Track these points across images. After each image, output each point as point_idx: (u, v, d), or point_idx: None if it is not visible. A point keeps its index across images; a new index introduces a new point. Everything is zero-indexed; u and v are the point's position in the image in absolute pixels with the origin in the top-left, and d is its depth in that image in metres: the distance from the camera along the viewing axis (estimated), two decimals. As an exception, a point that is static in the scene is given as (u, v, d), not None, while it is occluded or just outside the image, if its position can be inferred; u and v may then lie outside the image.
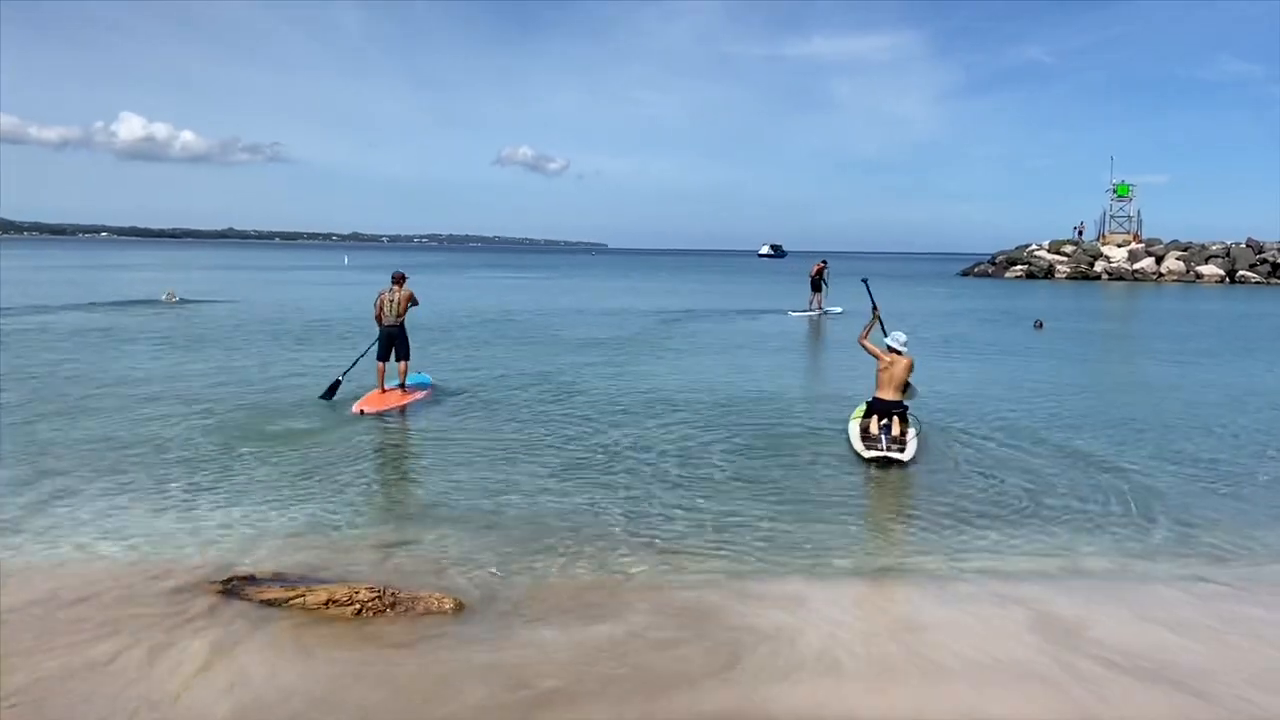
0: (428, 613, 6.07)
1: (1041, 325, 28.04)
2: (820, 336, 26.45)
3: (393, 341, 13.75)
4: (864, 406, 11.46)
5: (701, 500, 8.85)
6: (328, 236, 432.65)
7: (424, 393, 14.15)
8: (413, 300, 14.04)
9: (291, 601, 6.17)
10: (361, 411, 12.79)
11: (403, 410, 13.15)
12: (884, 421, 10.70)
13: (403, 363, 13.83)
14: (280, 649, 5.57)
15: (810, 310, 31.92)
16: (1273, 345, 24.39)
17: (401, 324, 13.81)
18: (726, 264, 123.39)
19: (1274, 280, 62.74)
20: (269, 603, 6.20)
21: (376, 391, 13.55)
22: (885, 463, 10.19)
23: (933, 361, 18.28)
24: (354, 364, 14.23)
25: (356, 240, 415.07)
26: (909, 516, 8.56)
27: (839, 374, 17.37)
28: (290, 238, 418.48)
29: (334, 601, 6.11)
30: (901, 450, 10.33)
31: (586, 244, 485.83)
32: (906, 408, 10.89)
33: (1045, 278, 67.35)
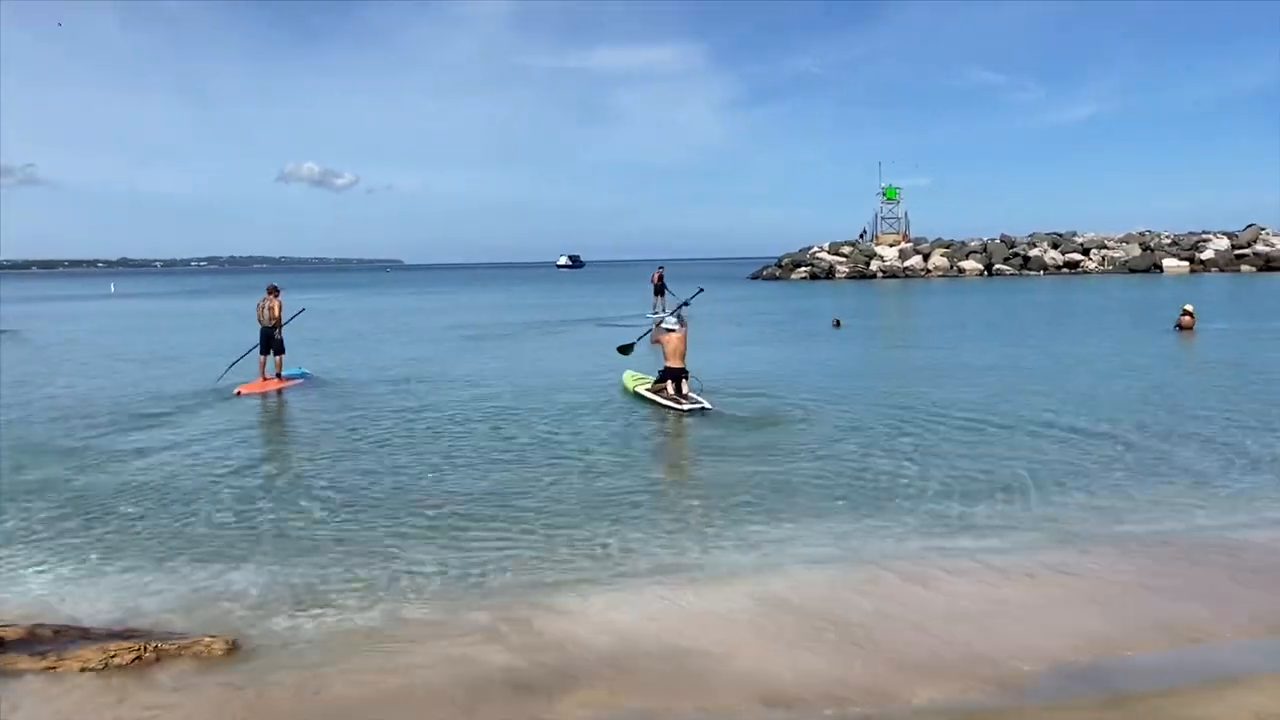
0: (197, 658, 5.73)
1: (839, 324, 29.65)
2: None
3: (270, 340, 16.66)
4: (634, 374, 15.51)
5: (507, 514, 8.84)
6: (93, 263, 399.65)
7: (298, 382, 17.08)
8: (280, 319, 16.75)
9: (44, 670, 5.62)
10: (239, 393, 15.76)
11: (279, 393, 16.07)
12: (678, 385, 13.89)
13: (279, 356, 16.82)
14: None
15: (656, 314, 33.51)
16: (1029, 329, 27.24)
17: (276, 325, 16.66)
18: (528, 276, 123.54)
19: (1025, 272, 69.53)
20: (19, 671, 5.60)
21: (259, 380, 16.51)
22: (699, 412, 13.26)
23: (753, 363, 19.47)
24: (241, 358, 17.46)
25: (126, 266, 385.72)
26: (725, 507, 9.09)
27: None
28: (49, 266, 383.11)
29: (88, 669, 5.60)
30: (700, 403, 13.51)
31: (381, 261, 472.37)
32: (688, 372, 14.00)
33: (827, 278, 71.41)
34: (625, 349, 17.12)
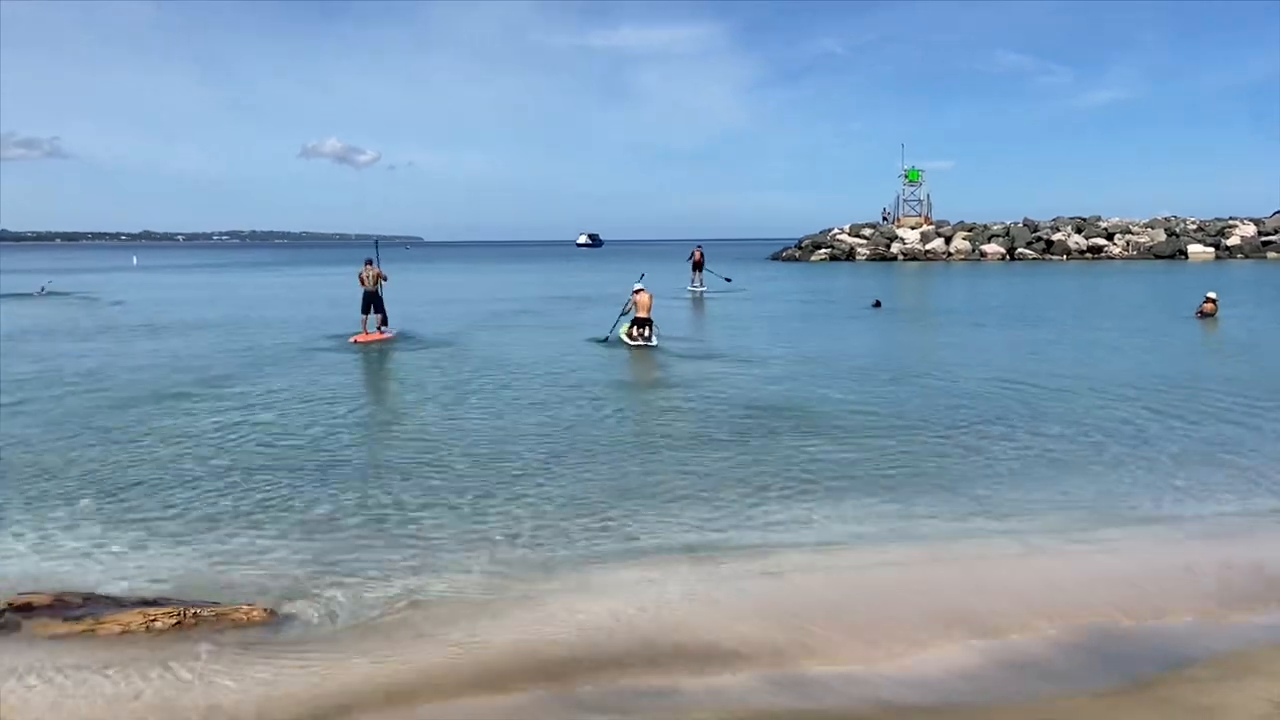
0: (236, 626, 5.85)
1: (879, 305, 29.48)
2: (704, 310, 29.53)
3: (370, 300, 20.68)
4: (629, 323, 19.57)
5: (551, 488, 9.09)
6: (116, 236, 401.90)
7: (391, 335, 21.00)
8: (383, 276, 20.96)
9: (82, 634, 5.71)
10: (355, 341, 20.10)
11: (379, 344, 20.05)
12: (644, 330, 19.08)
13: (379, 314, 20.88)
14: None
15: (694, 288, 37.32)
16: (1047, 316, 27.23)
17: (376, 289, 20.68)
18: (551, 254, 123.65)
19: (1047, 256, 68.95)
20: (55, 636, 5.69)
21: (363, 332, 20.57)
22: (647, 348, 18.65)
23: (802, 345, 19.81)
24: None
25: (148, 239, 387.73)
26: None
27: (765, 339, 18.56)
28: (72, 238, 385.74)
29: (129, 632, 5.71)
30: (651, 341, 18.92)
31: (402, 238, 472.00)
32: (652, 321, 19.22)
33: (847, 259, 71.07)
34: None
